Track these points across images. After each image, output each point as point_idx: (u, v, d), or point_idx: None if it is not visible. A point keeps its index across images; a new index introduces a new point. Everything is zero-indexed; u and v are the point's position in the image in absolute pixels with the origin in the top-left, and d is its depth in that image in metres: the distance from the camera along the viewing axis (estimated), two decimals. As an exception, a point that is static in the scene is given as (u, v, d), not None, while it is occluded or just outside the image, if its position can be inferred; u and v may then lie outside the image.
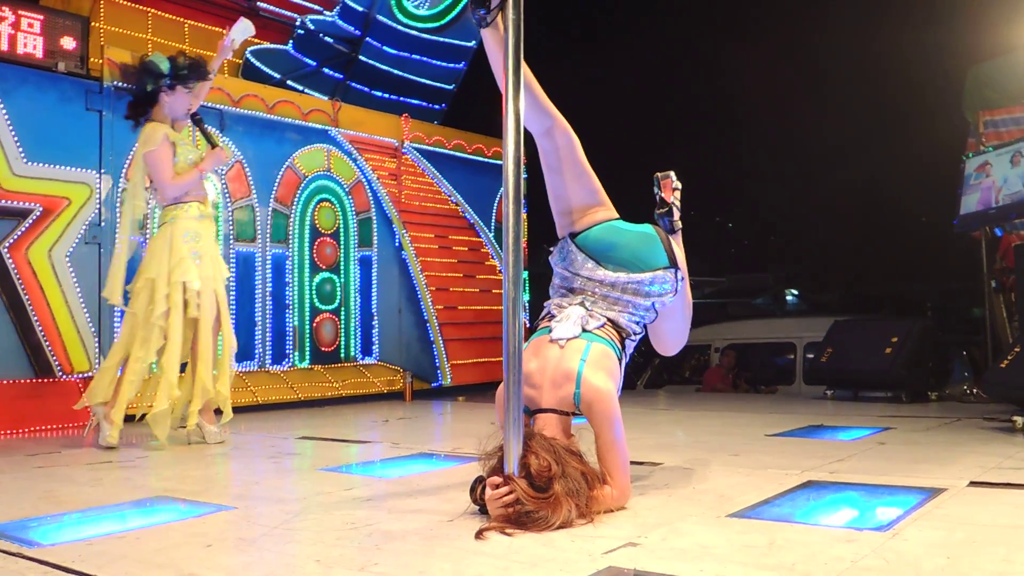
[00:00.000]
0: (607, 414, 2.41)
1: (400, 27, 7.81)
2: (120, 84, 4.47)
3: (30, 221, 5.16)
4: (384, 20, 7.74)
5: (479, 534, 2.13)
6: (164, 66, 4.31)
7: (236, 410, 5.87)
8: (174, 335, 4.19)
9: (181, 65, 4.34)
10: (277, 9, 7.35)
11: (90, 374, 5.31)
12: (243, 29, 4.64)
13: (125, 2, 6.58)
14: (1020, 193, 6.15)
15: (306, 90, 7.15)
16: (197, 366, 4.24)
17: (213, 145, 4.43)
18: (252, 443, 4.42)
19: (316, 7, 7.53)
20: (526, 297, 8.17)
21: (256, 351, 6.25)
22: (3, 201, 5.06)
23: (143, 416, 4.28)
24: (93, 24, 6.02)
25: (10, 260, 5.06)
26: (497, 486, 2.22)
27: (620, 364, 2.57)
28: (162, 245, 4.25)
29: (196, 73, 4.39)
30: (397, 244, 7.34)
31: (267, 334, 6.33)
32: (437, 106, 8.42)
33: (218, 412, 4.46)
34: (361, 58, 7.63)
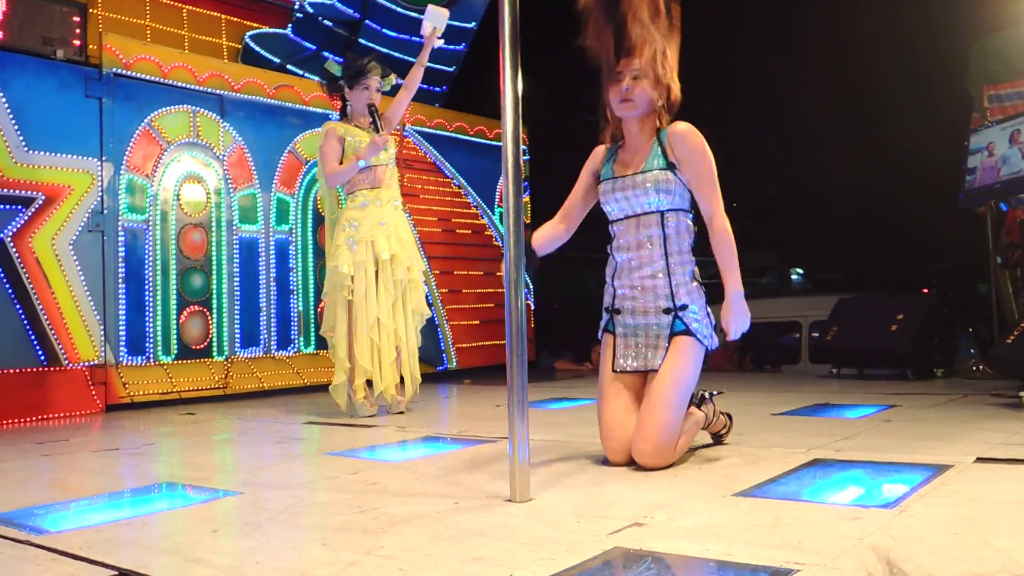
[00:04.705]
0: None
1: (400, 9, 7.76)
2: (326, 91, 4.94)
3: (33, 210, 5.16)
4: (383, 2, 7.69)
5: None
6: (338, 71, 4.71)
7: (241, 396, 5.94)
8: (339, 314, 4.55)
9: (351, 67, 4.68)
10: (276, -7, 7.31)
11: (96, 362, 5.33)
12: (432, 16, 4.77)
13: (123, -12, 6.55)
14: (1020, 172, 6.11)
15: (306, 74, 7.12)
16: (352, 345, 4.51)
17: (378, 132, 4.59)
18: (258, 428, 4.44)
19: (315, -10, 7.49)
20: (529, 278, 8.17)
21: (261, 337, 6.26)
22: (5, 190, 5.06)
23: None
24: (91, 11, 6.00)
25: (13, 249, 5.07)
26: None
27: None
28: (334, 234, 4.65)
29: (364, 72, 4.65)
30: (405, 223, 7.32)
31: (272, 320, 6.33)
32: (438, 88, 8.39)
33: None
34: (361, 41, 7.59)
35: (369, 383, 4.58)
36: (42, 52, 5.30)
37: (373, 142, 4.52)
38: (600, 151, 3.04)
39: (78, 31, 5.45)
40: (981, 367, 6.07)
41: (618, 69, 2.85)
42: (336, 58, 7.24)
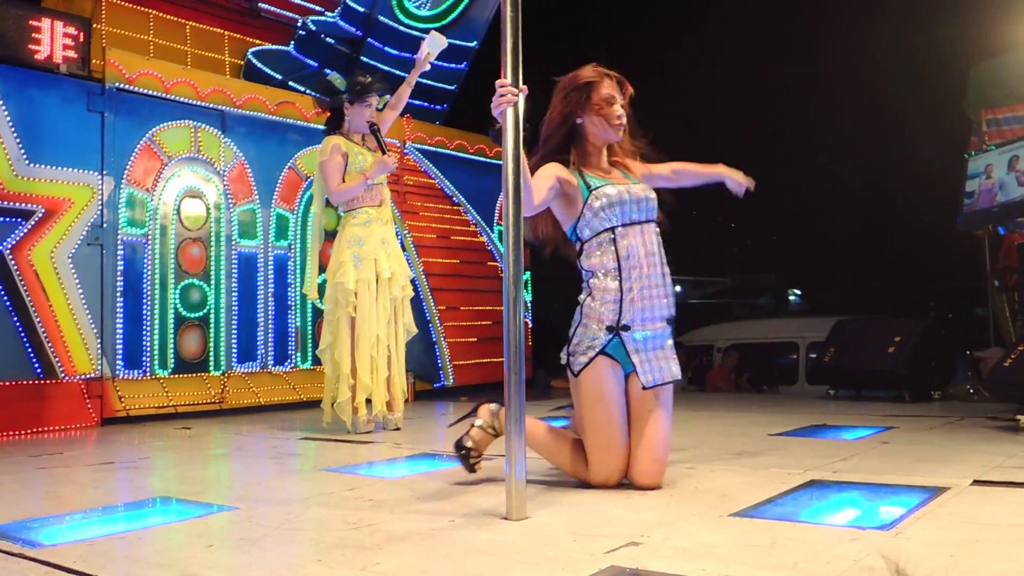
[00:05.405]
0: None
1: (401, 28, 7.82)
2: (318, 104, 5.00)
3: (33, 222, 5.16)
4: (385, 21, 7.74)
5: None
6: (340, 84, 4.69)
7: (237, 411, 5.93)
8: (342, 330, 4.51)
9: (357, 83, 4.66)
10: (278, 10, 7.36)
11: (92, 375, 5.32)
12: (433, 42, 4.83)
13: (126, 4, 6.59)
14: (1015, 198, 6.15)
15: (308, 91, 7.14)
16: (354, 362, 4.50)
17: (384, 152, 4.59)
18: (254, 444, 4.42)
19: (317, 8, 7.54)
20: (527, 297, 8.17)
21: (258, 352, 6.25)
22: (5, 202, 5.07)
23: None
24: (95, 25, 6.03)
25: (12, 262, 5.07)
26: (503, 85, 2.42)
27: None
28: (334, 249, 4.64)
29: (370, 90, 4.68)
30: (399, 244, 7.34)
31: (269, 335, 6.33)
32: (439, 106, 8.43)
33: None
34: (362, 59, 7.63)
35: (367, 400, 4.58)
36: (46, 66, 5.32)
37: (383, 162, 4.54)
38: (560, 166, 2.90)
39: (36, 35, 5.36)
40: (978, 390, 6.07)
41: (612, 93, 2.89)
42: (342, 78, 7.30)
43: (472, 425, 2.88)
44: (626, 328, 2.78)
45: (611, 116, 2.88)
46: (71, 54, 5.40)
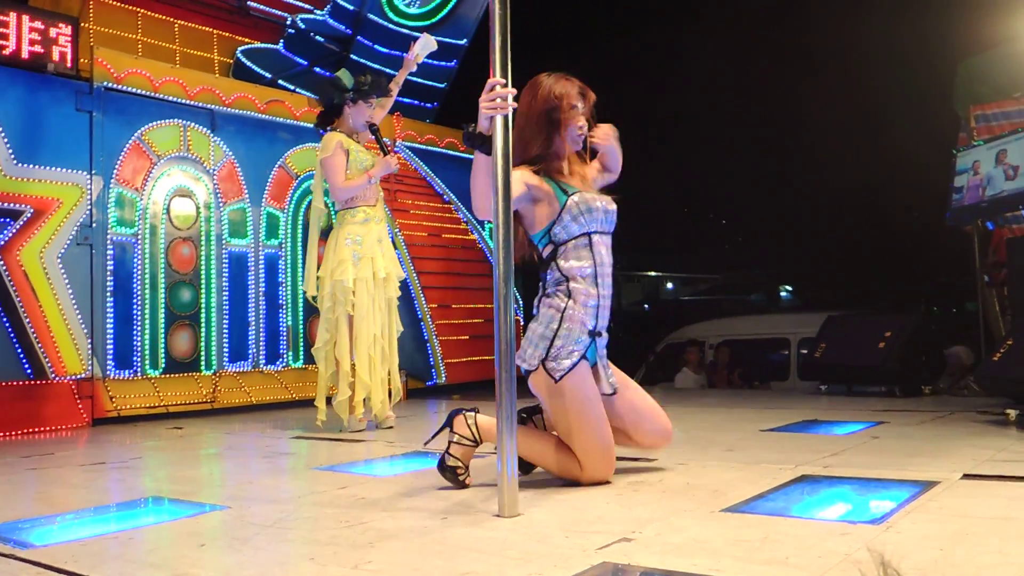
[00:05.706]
0: None
1: (391, 26, 7.81)
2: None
3: (21, 223, 5.14)
4: (375, 19, 7.73)
5: None
6: (348, 82, 4.67)
7: (229, 410, 5.91)
8: (341, 328, 4.52)
9: (363, 82, 4.68)
10: (268, 8, 7.33)
11: (83, 376, 5.30)
12: (424, 44, 4.86)
13: (115, 2, 6.56)
14: (1003, 192, 6.18)
15: (298, 89, 7.13)
16: (353, 360, 4.51)
17: (385, 153, 4.61)
18: (246, 443, 4.42)
19: (307, 6, 7.52)
20: (517, 294, 8.18)
21: (250, 351, 6.23)
22: (-6, 203, 5.05)
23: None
24: (83, 24, 6.00)
25: (1, 262, 5.04)
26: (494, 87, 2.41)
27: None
28: (331, 247, 4.63)
29: (376, 90, 4.72)
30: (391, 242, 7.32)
31: (261, 334, 6.31)
32: (429, 104, 8.42)
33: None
34: (352, 57, 7.62)
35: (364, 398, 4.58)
36: (33, 65, 5.29)
37: (387, 163, 4.58)
38: (527, 170, 2.87)
39: (4, 30, 5.33)
40: (969, 384, 6.10)
41: (575, 103, 2.88)
42: (326, 73, 7.27)
43: (450, 442, 2.85)
44: (599, 334, 2.87)
45: (573, 128, 2.90)
46: (38, 49, 5.30)
